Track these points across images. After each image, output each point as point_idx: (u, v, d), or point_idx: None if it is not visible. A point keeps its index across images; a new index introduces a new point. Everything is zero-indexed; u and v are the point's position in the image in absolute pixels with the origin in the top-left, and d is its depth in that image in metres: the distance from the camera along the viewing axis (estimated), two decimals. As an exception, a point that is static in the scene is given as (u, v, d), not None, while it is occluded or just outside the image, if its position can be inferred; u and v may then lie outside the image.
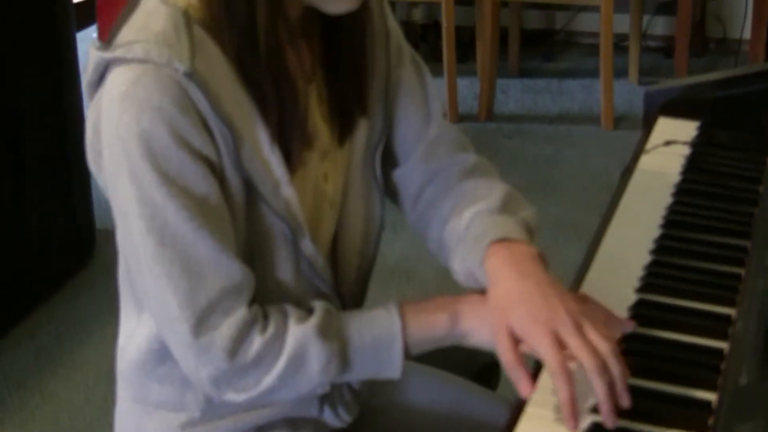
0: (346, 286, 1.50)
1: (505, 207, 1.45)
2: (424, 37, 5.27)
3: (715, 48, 5.28)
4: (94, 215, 3.50)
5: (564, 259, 3.38)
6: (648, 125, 1.98)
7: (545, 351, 1.25)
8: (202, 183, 1.28)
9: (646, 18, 5.17)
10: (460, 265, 1.42)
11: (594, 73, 4.72)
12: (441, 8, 4.49)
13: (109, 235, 1.38)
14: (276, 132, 1.33)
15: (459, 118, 4.60)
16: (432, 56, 4.95)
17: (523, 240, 1.39)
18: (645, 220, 1.65)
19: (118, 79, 1.28)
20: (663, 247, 1.58)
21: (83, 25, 3.99)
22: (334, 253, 1.49)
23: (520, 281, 1.32)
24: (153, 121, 1.25)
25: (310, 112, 1.41)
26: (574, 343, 1.25)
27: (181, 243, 1.28)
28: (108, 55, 1.29)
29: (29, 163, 3.21)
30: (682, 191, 1.74)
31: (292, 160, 1.36)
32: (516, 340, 1.28)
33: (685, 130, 1.94)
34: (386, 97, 1.50)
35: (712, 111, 1.97)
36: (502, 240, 1.37)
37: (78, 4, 3.57)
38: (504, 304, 1.31)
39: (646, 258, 1.56)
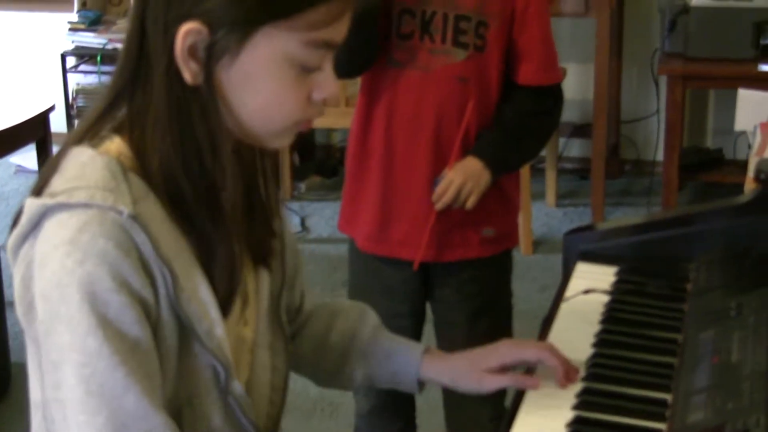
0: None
1: None
2: (342, 161, 5.25)
3: (630, 170, 5.38)
4: (9, 349, 3.43)
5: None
6: (567, 272, 1.99)
7: None
8: (136, 327, 1.28)
9: (561, 141, 5.26)
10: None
11: (512, 197, 4.74)
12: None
13: (26, 370, 1.35)
14: (214, 276, 1.36)
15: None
16: (352, 180, 4.95)
17: None
18: (567, 373, 1.65)
19: (59, 225, 1.28)
20: (585, 402, 1.59)
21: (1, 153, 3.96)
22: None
23: None
24: (96, 265, 1.25)
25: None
26: None
27: (109, 393, 1.26)
28: (50, 201, 1.28)
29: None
30: (602, 342, 1.75)
31: (226, 304, 1.38)
32: None
33: (604, 276, 1.96)
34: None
35: (630, 257, 2.00)
36: None
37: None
38: None
39: (568, 414, 1.56)
